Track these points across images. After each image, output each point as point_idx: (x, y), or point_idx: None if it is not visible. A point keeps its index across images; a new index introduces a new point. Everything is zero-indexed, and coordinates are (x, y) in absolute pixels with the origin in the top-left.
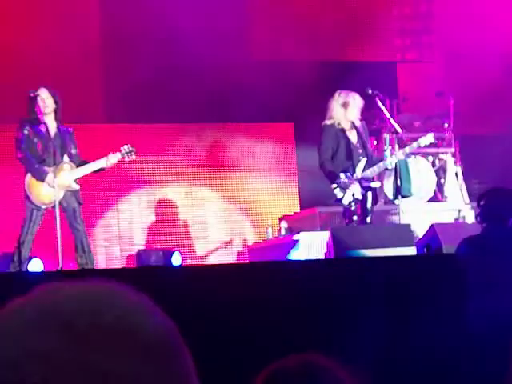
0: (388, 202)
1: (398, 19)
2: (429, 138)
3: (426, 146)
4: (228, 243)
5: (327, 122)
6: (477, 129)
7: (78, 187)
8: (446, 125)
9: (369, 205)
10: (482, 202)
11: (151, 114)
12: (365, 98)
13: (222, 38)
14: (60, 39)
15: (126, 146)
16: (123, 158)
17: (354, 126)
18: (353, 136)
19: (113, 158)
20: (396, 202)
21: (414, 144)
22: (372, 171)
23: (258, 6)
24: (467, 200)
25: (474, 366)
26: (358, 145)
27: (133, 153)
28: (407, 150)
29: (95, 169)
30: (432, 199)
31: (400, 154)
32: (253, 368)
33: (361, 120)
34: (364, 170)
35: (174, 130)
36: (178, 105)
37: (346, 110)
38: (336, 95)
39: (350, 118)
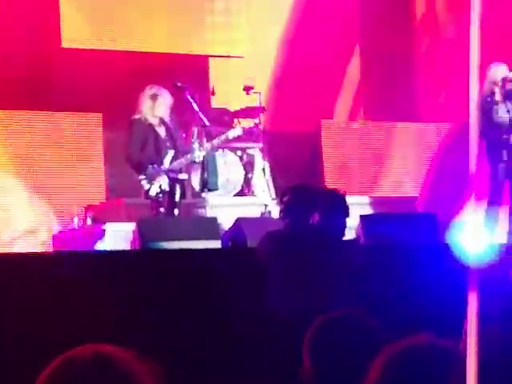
0: (195, 195)
1: (209, 13)
2: (237, 131)
3: (235, 139)
4: (32, 232)
5: (135, 117)
6: (285, 125)
7: None
8: (255, 120)
9: (176, 197)
10: (284, 198)
11: None
12: (174, 91)
13: (30, 24)
14: None
15: None
16: None
17: (162, 120)
18: (161, 130)
19: None
20: (203, 195)
21: (222, 136)
22: (179, 163)
23: None
24: (274, 195)
25: (271, 359)
26: (166, 138)
27: None
28: (215, 142)
29: None
30: (239, 193)
31: (208, 146)
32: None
33: (171, 113)
34: (171, 162)
35: None
36: None
37: (154, 106)
38: (146, 90)
39: (158, 113)
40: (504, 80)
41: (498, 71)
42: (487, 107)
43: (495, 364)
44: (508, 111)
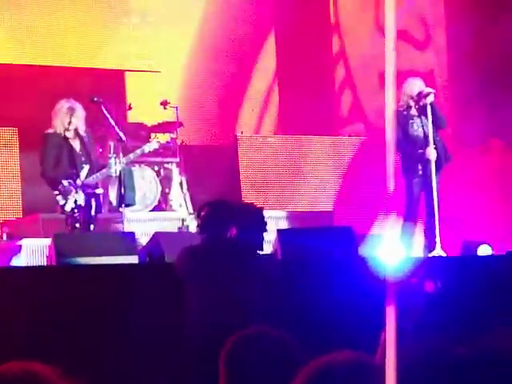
0: (112, 210)
1: (126, 26)
2: (153, 145)
3: (151, 154)
4: None
5: (49, 131)
6: (202, 140)
7: None
8: (172, 134)
9: (92, 212)
10: (202, 213)
11: None
12: (90, 106)
13: None
14: None
15: None
16: None
17: (77, 134)
18: (76, 144)
19: None
20: (120, 210)
21: (138, 150)
22: (95, 177)
23: None
24: (191, 210)
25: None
26: (82, 153)
27: None
28: (131, 156)
29: None
30: (156, 208)
31: (124, 161)
32: None
33: (86, 127)
34: (87, 177)
35: None
36: None
37: (68, 120)
38: (60, 104)
39: (72, 127)
40: (420, 94)
41: (415, 85)
42: (403, 121)
43: (413, 374)
44: (423, 126)
